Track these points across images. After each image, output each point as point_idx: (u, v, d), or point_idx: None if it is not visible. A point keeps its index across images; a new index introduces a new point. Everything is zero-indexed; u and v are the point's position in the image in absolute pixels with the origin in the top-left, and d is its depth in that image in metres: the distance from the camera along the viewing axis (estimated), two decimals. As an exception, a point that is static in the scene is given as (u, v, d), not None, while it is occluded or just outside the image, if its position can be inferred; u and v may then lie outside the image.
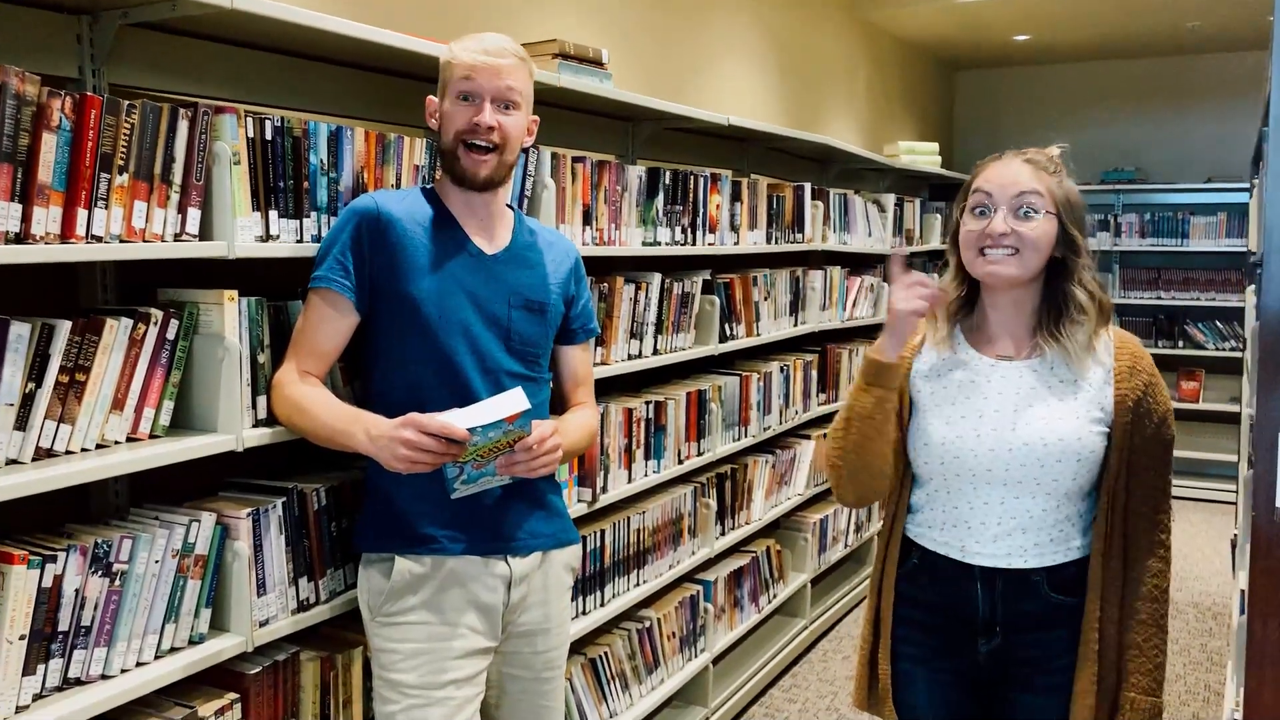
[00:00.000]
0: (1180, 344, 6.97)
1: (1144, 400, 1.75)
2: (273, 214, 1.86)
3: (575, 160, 2.62)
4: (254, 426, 1.83)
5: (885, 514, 1.91)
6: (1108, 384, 1.76)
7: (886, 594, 1.88)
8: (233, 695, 1.80)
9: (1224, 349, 6.90)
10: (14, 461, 1.53)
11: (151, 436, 1.72)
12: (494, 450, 1.75)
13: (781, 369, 3.85)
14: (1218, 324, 6.95)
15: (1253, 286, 3.95)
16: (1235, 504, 5.57)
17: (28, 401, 1.53)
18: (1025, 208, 1.73)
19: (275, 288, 1.92)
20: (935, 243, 5.71)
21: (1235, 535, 4.28)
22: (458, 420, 1.68)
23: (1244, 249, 6.40)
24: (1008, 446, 1.74)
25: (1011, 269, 1.73)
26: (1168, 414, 1.78)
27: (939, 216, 5.78)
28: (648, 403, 2.96)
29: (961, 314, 1.85)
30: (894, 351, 1.74)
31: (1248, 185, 5.78)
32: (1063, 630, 1.75)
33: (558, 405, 2.12)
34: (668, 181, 3.01)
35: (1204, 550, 5.54)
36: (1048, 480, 1.73)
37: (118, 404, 1.66)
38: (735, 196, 3.46)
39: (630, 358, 2.87)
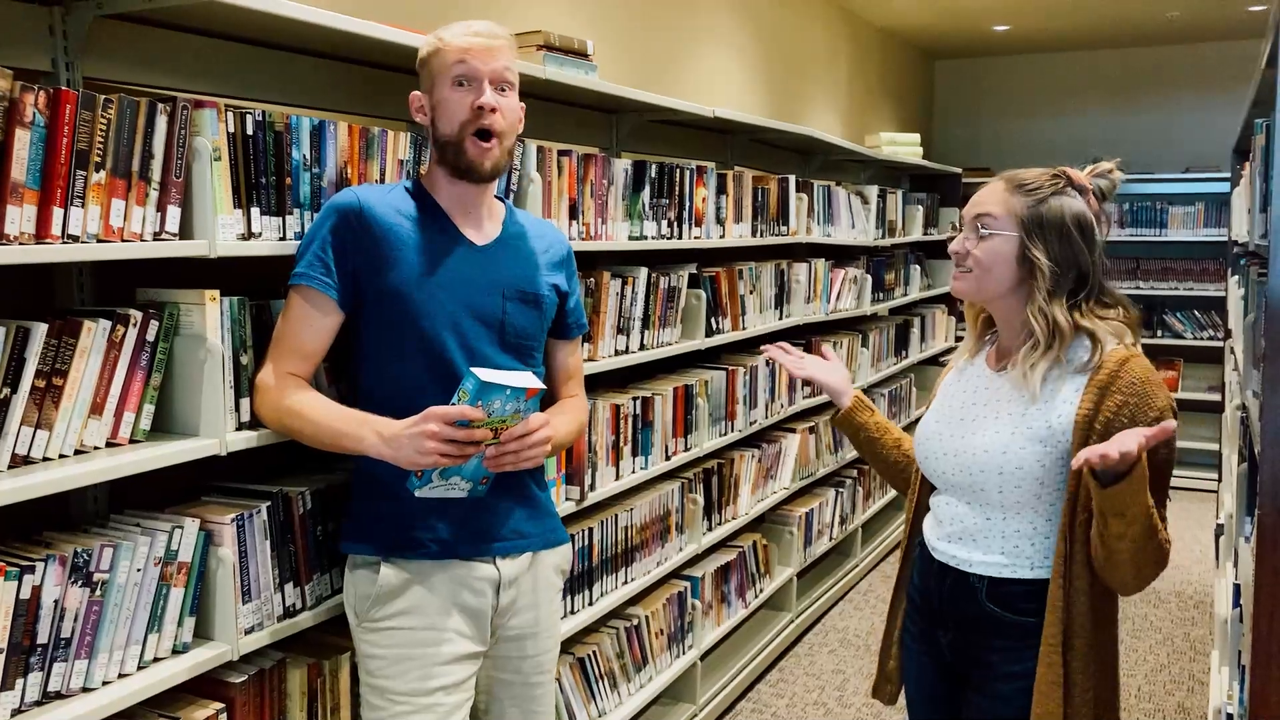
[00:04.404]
0: (1159, 333, 7.02)
1: (1115, 423, 1.60)
2: (254, 211, 1.81)
3: (561, 153, 2.58)
4: (237, 429, 1.78)
5: (905, 515, 2.02)
6: (1068, 403, 1.67)
7: (900, 589, 2.00)
8: (218, 705, 1.76)
9: (1202, 338, 6.95)
10: (-11, 469, 1.49)
11: (132, 441, 1.67)
12: (493, 430, 1.71)
13: (767, 363, 3.82)
14: (1196, 314, 7.01)
15: (1236, 277, 3.96)
16: (1216, 493, 5.60)
17: (2, 407, 1.48)
18: (981, 227, 1.77)
19: (258, 287, 1.87)
20: (916, 234, 5.71)
21: (1218, 525, 4.30)
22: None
23: (1223, 239, 6.44)
24: (950, 452, 1.80)
25: (963, 285, 1.80)
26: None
27: (920, 208, 5.77)
28: (635, 399, 2.93)
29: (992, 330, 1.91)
30: (840, 400, 2.11)
31: (1227, 175, 5.81)
32: (1002, 642, 1.75)
33: (548, 399, 2.08)
34: (654, 174, 2.97)
35: (1184, 539, 5.56)
36: (976, 491, 1.76)
37: (96, 408, 1.61)
38: (721, 189, 3.43)
39: (617, 353, 2.84)
